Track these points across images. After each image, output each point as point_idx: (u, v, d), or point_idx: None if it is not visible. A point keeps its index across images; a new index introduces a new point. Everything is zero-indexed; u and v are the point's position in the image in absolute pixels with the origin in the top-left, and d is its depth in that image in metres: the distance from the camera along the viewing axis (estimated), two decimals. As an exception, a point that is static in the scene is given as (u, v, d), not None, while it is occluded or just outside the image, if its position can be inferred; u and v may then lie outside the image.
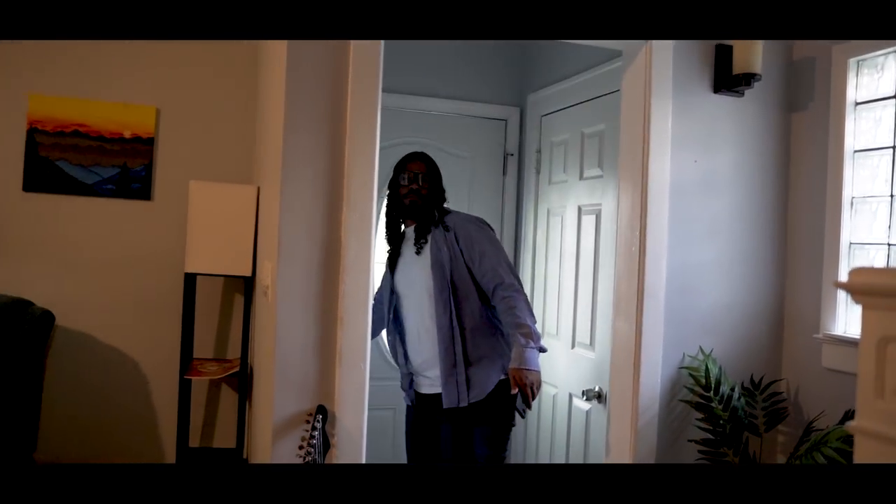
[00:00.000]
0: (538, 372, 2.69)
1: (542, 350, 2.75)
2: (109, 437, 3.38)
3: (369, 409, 2.53)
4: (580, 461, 3.47)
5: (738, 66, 2.84)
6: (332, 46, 2.43)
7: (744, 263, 2.96)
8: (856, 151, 2.79)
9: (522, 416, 2.89)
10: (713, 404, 2.72)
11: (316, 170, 2.42)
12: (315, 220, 2.42)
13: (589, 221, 3.52)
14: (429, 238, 2.90)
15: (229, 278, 3.44)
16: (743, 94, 2.93)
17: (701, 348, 2.86)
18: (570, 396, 3.56)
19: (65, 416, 3.30)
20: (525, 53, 4.21)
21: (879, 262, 2.72)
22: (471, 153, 4.15)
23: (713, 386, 2.72)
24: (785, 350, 3.00)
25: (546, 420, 3.79)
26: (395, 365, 3.12)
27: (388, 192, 3.06)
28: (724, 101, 2.93)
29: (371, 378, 2.54)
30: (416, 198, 2.92)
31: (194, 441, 3.45)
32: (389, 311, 3.02)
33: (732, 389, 2.74)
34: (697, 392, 2.78)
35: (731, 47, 2.87)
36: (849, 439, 2.33)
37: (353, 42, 2.43)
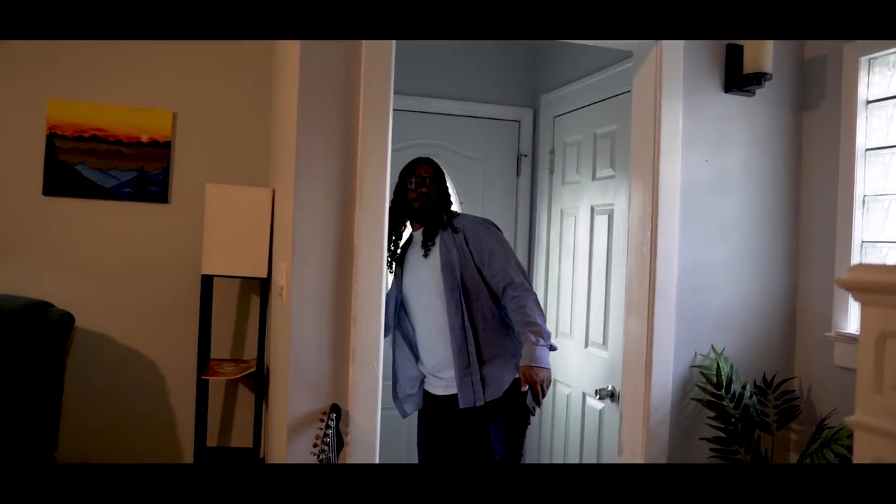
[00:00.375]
0: (548, 369, 2.70)
1: (553, 348, 2.77)
2: (128, 437, 3.42)
3: (383, 410, 2.56)
4: (593, 459, 3.49)
5: (749, 66, 2.84)
6: (345, 47, 2.46)
7: (755, 262, 2.97)
8: (867, 150, 2.79)
9: (532, 414, 2.90)
10: (724, 402, 2.73)
11: (329, 171, 2.45)
12: (328, 222, 2.46)
13: (601, 221, 3.53)
14: (436, 240, 2.93)
15: (245, 280, 3.47)
16: (754, 93, 2.94)
17: (713, 347, 2.87)
18: (584, 396, 3.58)
19: (84, 415, 3.35)
20: (537, 55, 4.23)
21: (892, 260, 2.71)
22: (484, 154, 4.18)
23: (725, 384, 2.73)
24: (797, 348, 3.00)
25: (560, 419, 3.81)
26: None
27: (392, 198, 3.06)
28: (735, 100, 2.94)
29: (385, 378, 2.58)
30: (426, 200, 2.95)
31: (212, 441, 3.49)
32: (394, 317, 3.04)
33: (744, 387, 2.75)
34: (709, 390, 2.78)
35: (741, 47, 2.88)
36: (860, 437, 2.33)
37: (364, 42, 2.46)
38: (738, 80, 2.89)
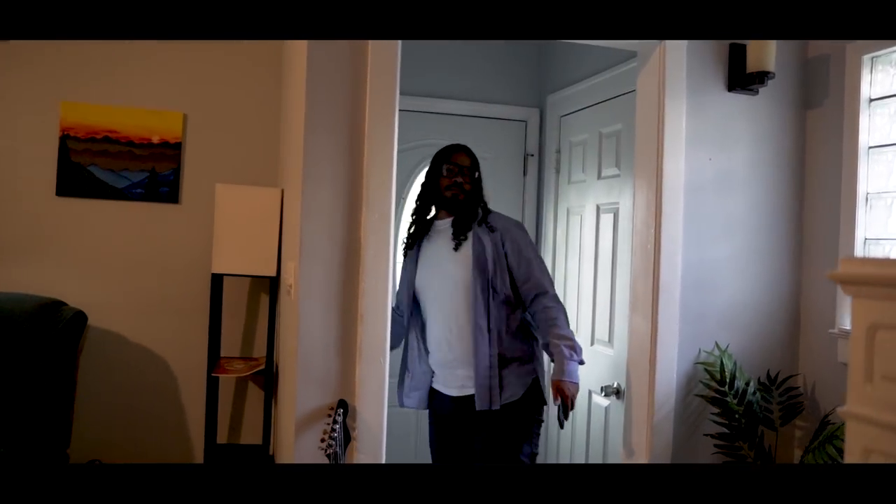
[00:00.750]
0: (578, 384, 2.69)
1: (582, 363, 2.74)
2: (140, 433, 3.47)
3: (391, 407, 2.60)
4: (599, 456, 3.52)
5: (752, 65, 2.86)
6: (351, 47, 2.49)
7: (759, 260, 2.99)
8: (870, 147, 2.81)
9: (561, 427, 2.77)
10: (728, 399, 2.75)
11: (336, 171, 2.48)
12: (335, 221, 2.49)
13: (607, 220, 3.56)
14: (469, 235, 2.84)
15: (255, 279, 3.51)
16: (757, 92, 2.96)
17: (717, 344, 2.90)
18: (590, 393, 3.60)
19: (97, 411, 3.39)
20: (543, 55, 4.26)
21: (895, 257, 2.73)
22: (491, 154, 4.20)
23: (728, 381, 2.75)
24: (801, 345, 3.02)
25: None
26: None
27: (423, 181, 3.00)
28: (739, 99, 2.96)
29: (392, 376, 2.61)
30: (459, 191, 2.86)
31: (222, 437, 3.53)
32: (410, 305, 2.95)
33: (747, 384, 2.77)
34: (713, 387, 2.81)
35: (744, 46, 2.90)
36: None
37: (371, 42, 2.49)
38: (742, 79, 2.91)
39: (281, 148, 3.47)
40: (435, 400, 2.96)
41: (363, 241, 2.51)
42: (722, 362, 2.79)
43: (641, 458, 2.88)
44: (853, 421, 1.21)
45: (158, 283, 3.48)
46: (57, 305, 3.11)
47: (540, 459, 4.03)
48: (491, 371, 2.74)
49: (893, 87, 2.75)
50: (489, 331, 2.75)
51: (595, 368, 3.57)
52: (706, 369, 2.83)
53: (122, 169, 3.42)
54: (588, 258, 3.72)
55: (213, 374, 3.25)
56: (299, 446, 2.45)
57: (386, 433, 2.54)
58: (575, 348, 2.71)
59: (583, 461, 3.70)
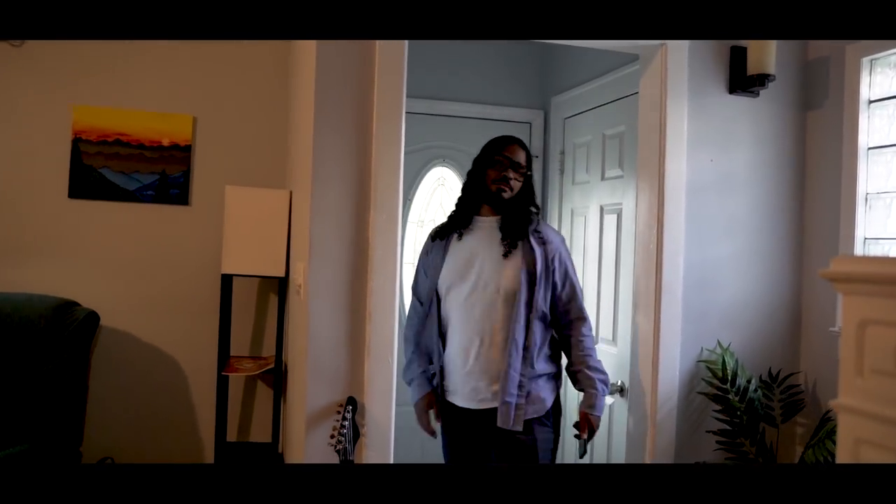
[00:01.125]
0: (600, 417, 2.68)
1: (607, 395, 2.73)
2: (151, 431, 3.53)
3: (400, 406, 2.65)
4: (603, 452, 3.56)
5: (753, 67, 2.90)
6: (359, 48, 2.53)
7: (760, 259, 3.03)
8: (870, 148, 2.85)
9: (580, 457, 2.71)
10: (730, 396, 2.79)
11: (344, 172, 2.53)
12: (344, 222, 2.54)
13: (611, 220, 3.61)
14: (519, 243, 2.63)
15: (264, 279, 3.57)
16: (758, 94, 3.00)
17: (719, 342, 2.94)
18: (594, 391, 3.64)
19: (109, 410, 3.45)
20: (547, 58, 4.31)
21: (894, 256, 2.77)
22: (496, 156, 4.25)
23: (730, 378, 2.80)
24: (802, 344, 3.06)
25: (571, 414, 3.87)
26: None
27: (470, 168, 2.78)
28: (740, 101, 3.00)
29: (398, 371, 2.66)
30: (507, 188, 2.64)
31: (231, 436, 3.59)
32: (430, 307, 2.72)
33: (749, 381, 2.82)
34: (715, 385, 2.85)
35: (745, 48, 2.94)
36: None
37: (378, 43, 2.52)
38: (742, 81, 2.95)
39: (289, 149, 3.52)
40: (448, 413, 2.75)
41: (371, 242, 2.55)
42: (724, 360, 2.83)
43: (645, 454, 2.93)
44: (845, 413, 1.26)
45: (169, 284, 3.54)
46: (70, 306, 3.17)
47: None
48: (520, 391, 2.57)
49: (892, 88, 2.79)
50: (525, 348, 2.58)
51: (599, 367, 3.61)
52: (708, 367, 2.87)
53: (133, 171, 3.48)
54: (592, 258, 3.76)
55: (223, 373, 3.30)
56: (309, 442, 2.49)
57: (394, 429, 2.59)
58: (606, 383, 2.69)
59: (587, 458, 3.74)
